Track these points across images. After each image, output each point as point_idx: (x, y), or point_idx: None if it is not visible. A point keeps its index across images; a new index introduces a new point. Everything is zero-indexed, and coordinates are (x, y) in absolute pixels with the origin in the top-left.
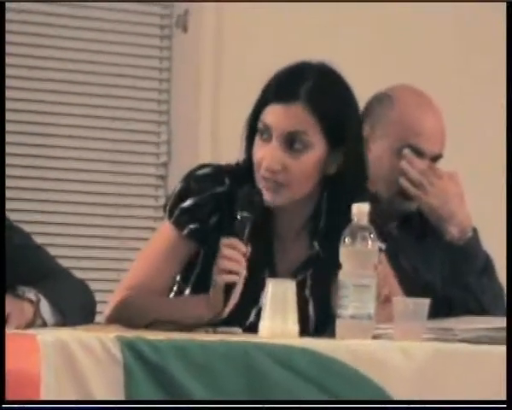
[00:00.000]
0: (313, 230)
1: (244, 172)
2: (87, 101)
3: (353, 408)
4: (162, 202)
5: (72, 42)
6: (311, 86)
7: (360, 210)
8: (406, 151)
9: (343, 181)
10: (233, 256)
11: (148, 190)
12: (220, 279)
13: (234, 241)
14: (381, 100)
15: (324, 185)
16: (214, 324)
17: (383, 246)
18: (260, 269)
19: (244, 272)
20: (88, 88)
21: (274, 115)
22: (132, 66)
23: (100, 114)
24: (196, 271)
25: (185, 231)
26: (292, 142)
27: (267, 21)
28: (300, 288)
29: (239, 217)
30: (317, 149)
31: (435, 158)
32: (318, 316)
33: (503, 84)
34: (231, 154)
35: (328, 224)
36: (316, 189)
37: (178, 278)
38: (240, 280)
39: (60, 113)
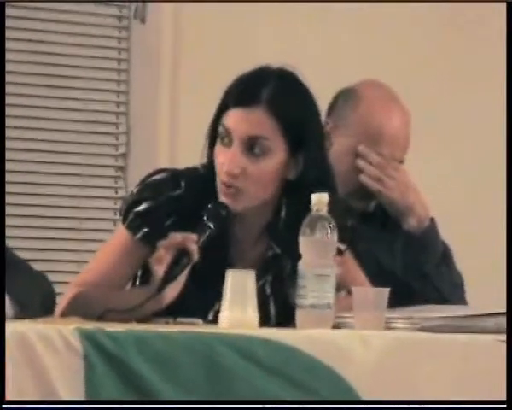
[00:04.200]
0: (273, 233)
1: (201, 176)
2: (45, 92)
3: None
4: (122, 193)
5: (30, 33)
6: (272, 91)
7: (320, 200)
8: (361, 148)
9: (303, 187)
10: (177, 239)
11: (107, 181)
12: (158, 269)
13: (184, 234)
14: (347, 97)
15: (284, 190)
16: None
17: (343, 247)
18: (217, 273)
19: (188, 261)
20: (46, 79)
21: (235, 119)
22: (91, 57)
23: (58, 106)
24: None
25: (138, 235)
26: (252, 146)
27: (226, 13)
28: (261, 287)
29: (204, 222)
30: (277, 154)
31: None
32: (279, 314)
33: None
34: (190, 145)
35: (287, 225)
36: (275, 194)
37: (138, 282)
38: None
39: (17, 104)
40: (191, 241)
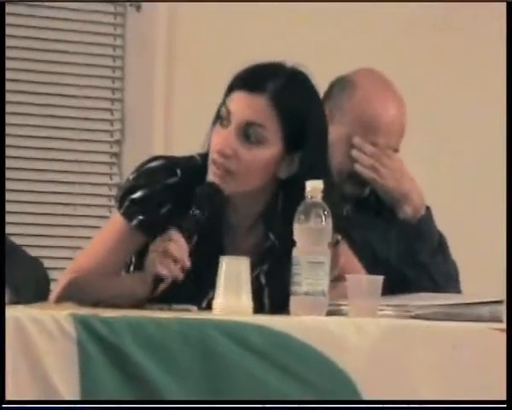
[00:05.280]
0: (269, 223)
1: (198, 164)
2: (40, 78)
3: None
4: (116, 179)
5: (25, 19)
6: (280, 84)
7: (314, 187)
8: (356, 139)
9: (297, 187)
10: (173, 253)
11: (102, 167)
12: (159, 270)
13: (178, 237)
14: (343, 85)
15: (278, 187)
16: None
17: (339, 237)
18: (210, 262)
19: (179, 272)
20: (41, 65)
21: (237, 102)
22: (86, 43)
23: (53, 92)
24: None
25: (134, 222)
26: (248, 132)
27: (220, 1)
28: (256, 276)
29: (191, 212)
30: (271, 147)
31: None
32: (273, 304)
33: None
34: (185, 132)
35: (284, 217)
36: (267, 187)
37: (132, 267)
38: (171, 277)
39: (13, 90)
40: (184, 257)
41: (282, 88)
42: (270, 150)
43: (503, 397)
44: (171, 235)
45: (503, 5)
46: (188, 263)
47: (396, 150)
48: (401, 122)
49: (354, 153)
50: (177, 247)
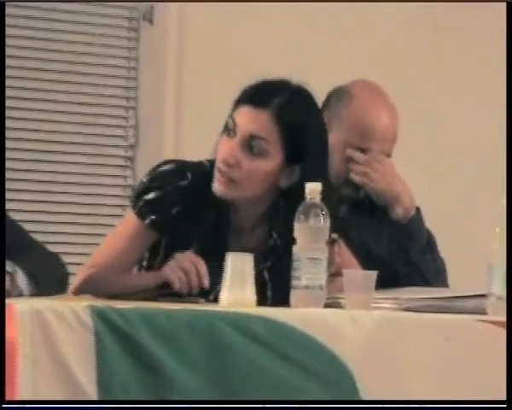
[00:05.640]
0: (273, 224)
1: (206, 169)
2: (61, 87)
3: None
4: (130, 181)
5: (47, 33)
6: (284, 101)
7: (313, 189)
8: (348, 151)
9: (298, 195)
10: (187, 270)
11: (117, 170)
12: (170, 276)
13: (198, 261)
14: (340, 95)
15: (280, 195)
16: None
17: (336, 235)
18: (218, 257)
19: (186, 287)
20: (62, 75)
21: (243, 115)
22: (103, 55)
23: (72, 100)
24: (159, 258)
25: (147, 222)
26: (252, 145)
27: (228, 14)
28: (260, 272)
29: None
30: (273, 159)
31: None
32: (275, 298)
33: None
34: (194, 137)
35: (287, 220)
36: (267, 194)
37: (144, 263)
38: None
39: (35, 98)
40: (201, 276)
41: (285, 105)
42: (271, 162)
43: (490, 381)
44: (191, 255)
45: (503, 5)
46: (206, 283)
47: (389, 155)
48: (393, 130)
49: (350, 164)
50: (192, 265)
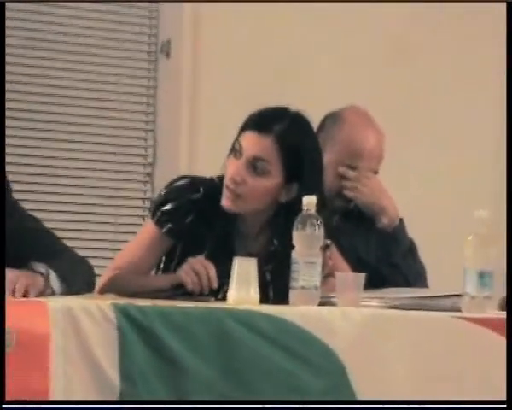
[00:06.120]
0: (273, 231)
1: (216, 185)
2: (90, 112)
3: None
4: (149, 195)
5: (80, 65)
6: (284, 127)
7: (309, 202)
8: (342, 169)
9: (295, 208)
10: (199, 272)
11: (137, 184)
12: (184, 277)
13: (208, 264)
14: (333, 120)
15: (280, 208)
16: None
17: (329, 242)
18: (226, 261)
19: (197, 287)
20: (91, 102)
21: (248, 140)
22: (125, 84)
23: (99, 123)
24: (174, 262)
25: (164, 230)
26: (255, 165)
27: (237, 47)
28: (263, 274)
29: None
30: (274, 178)
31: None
32: (276, 297)
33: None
34: (205, 156)
35: (285, 227)
36: (269, 208)
37: (162, 266)
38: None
39: (69, 122)
40: (211, 279)
41: (285, 131)
42: (272, 180)
43: (464, 367)
44: (202, 260)
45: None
46: (215, 284)
47: (376, 172)
48: (380, 149)
49: (341, 182)
50: (203, 268)
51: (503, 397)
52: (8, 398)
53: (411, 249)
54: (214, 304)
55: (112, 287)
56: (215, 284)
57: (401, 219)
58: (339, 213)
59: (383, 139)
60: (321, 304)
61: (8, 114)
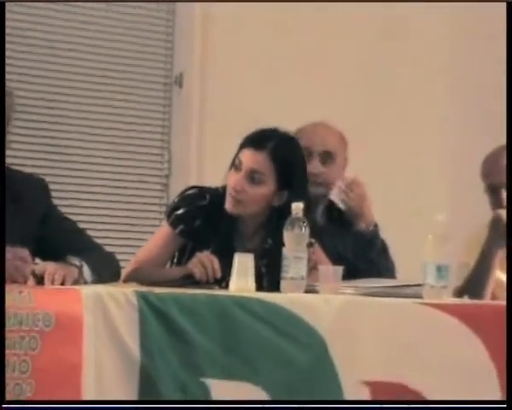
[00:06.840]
0: (269, 232)
1: (220, 193)
2: (117, 133)
3: (354, 408)
4: (164, 202)
5: (109, 93)
6: (276, 144)
7: (297, 207)
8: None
9: (286, 211)
10: (205, 265)
11: (155, 193)
12: (193, 269)
13: (213, 258)
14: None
15: (273, 211)
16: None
17: (313, 240)
18: (228, 256)
19: (204, 277)
20: (115, 124)
21: (246, 156)
22: (144, 110)
23: (124, 142)
24: (185, 257)
25: (177, 230)
26: (253, 177)
27: (242, 81)
28: (259, 267)
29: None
30: (268, 186)
31: (325, 153)
32: (269, 286)
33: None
34: (212, 169)
35: (277, 227)
36: (264, 211)
37: (175, 260)
38: (200, 278)
39: (94, 144)
40: (215, 270)
41: (277, 146)
42: (267, 188)
43: (422, 344)
44: (208, 255)
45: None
46: (219, 275)
47: (328, 152)
48: (336, 139)
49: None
50: (209, 261)
51: (458, 369)
52: (45, 369)
53: (384, 249)
54: (218, 291)
55: (134, 277)
56: (219, 275)
57: (376, 224)
58: (320, 202)
59: (343, 139)
60: (306, 292)
61: (45, 133)
